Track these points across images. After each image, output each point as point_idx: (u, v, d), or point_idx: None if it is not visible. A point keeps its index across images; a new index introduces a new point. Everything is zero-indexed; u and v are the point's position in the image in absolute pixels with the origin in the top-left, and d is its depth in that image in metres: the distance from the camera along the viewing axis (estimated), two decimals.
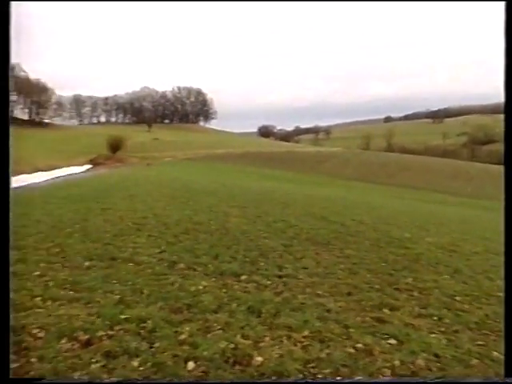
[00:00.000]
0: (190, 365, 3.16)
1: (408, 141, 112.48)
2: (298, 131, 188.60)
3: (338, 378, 3.12)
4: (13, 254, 6.00)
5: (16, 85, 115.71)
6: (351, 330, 3.91)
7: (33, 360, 3.14)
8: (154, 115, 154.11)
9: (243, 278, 5.33)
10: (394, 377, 3.16)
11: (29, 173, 42.07)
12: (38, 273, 5.23)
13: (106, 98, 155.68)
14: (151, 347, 3.38)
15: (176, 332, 3.65)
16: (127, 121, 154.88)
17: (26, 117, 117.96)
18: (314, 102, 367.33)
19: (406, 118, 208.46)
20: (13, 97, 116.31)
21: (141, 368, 3.09)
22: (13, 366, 3.06)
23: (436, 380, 3.24)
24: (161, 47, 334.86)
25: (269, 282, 5.20)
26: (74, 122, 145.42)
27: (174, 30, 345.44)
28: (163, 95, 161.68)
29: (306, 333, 3.78)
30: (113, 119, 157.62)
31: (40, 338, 3.50)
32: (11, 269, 5.23)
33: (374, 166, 65.10)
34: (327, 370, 3.19)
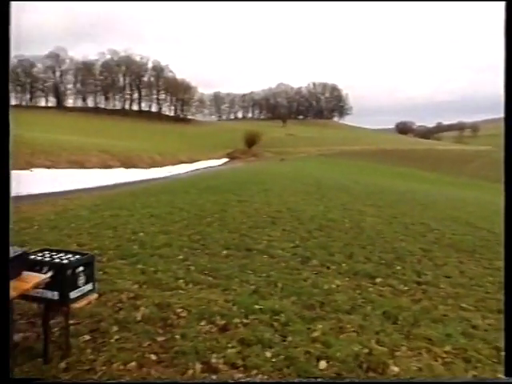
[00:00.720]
0: (322, 364, 3.09)
1: None
2: (440, 128, 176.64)
3: None
4: (161, 238, 6.60)
5: (164, 84, 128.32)
6: (503, 353, 3.44)
7: (176, 337, 3.38)
8: (289, 111, 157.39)
9: (378, 280, 5.09)
10: None
11: (173, 164, 46.08)
12: (181, 257, 5.66)
13: (243, 95, 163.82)
14: (284, 340, 3.40)
15: (309, 329, 3.62)
16: (263, 117, 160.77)
17: (171, 113, 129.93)
18: (459, 96, 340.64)
19: None
20: (161, 95, 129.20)
21: (273, 360, 3.10)
22: (160, 339, 3.33)
23: (436, 380, 2.97)
24: (297, 44, 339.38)
25: (406, 288, 4.89)
26: (214, 117, 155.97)
27: (310, 27, 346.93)
28: (298, 91, 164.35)
29: (448, 348, 3.44)
30: (249, 115, 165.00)
31: (183, 317, 3.76)
32: (159, 251, 5.74)
33: None
34: None
